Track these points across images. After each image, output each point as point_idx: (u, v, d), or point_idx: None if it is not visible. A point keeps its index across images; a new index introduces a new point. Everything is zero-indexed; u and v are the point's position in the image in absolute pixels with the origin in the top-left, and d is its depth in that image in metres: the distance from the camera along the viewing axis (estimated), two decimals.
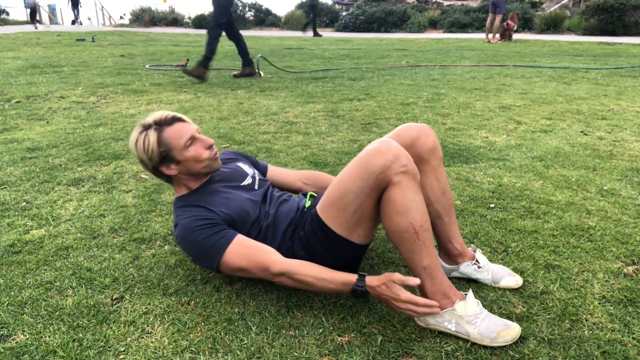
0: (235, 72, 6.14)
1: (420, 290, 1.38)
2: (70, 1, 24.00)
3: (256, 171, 1.77)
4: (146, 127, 1.49)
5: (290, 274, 1.38)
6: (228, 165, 1.73)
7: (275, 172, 1.90)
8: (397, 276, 1.28)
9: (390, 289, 1.28)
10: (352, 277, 1.34)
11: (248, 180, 1.67)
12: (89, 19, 26.59)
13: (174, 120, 1.51)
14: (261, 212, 1.59)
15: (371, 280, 1.32)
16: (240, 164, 1.74)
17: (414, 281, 1.28)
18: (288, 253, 1.51)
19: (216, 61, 7.75)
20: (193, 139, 1.50)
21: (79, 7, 24.04)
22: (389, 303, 1.31)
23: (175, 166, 1.51)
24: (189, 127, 1.51)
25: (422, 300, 1.27)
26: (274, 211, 1.60)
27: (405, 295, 1.28)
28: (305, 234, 1.49)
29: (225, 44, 11.29)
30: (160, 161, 1.50)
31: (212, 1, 5.49)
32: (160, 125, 1.49)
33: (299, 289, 1.54)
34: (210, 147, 1.53)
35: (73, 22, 23.83)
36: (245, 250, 1.43)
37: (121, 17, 27.31)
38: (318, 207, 1.47)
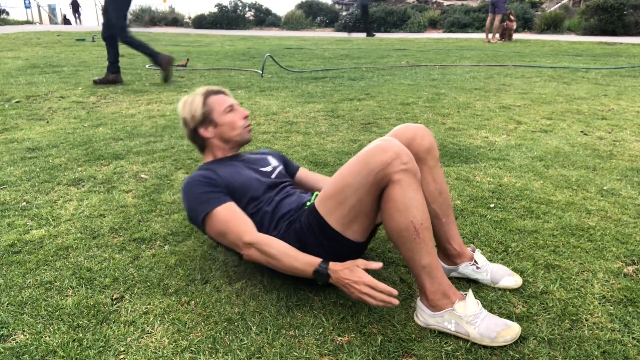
0: (96, 78, 5.63)
1: (420, 290, 1.38)
2: (71, 6, 24.22)
3: (282, 166, 1.85)
4: (195, 94, 1.74)
5: (259, 245, 1.43)
6: (258, 154, 1.86)
7: (306, 173, 1.95)
8: (361, 261, 1.34)
9: (352, 273, 1.32)
10: (317, 259, 1.39)
11: (268, 169, 1.77)
12: (65, 16, 26.63)
13: (219, 92, 1.76)
14: (265, 195, 1.64)
15: (335, 264, 1.36)
16: (269, 157, 1.86)
17: (376, 265, 1.32)
18: None
19: (216, 61, 7.75)
20: (232, 108, 1.73)
21: (80, 10, 24.31)
22: (349, 288, 1.33)
23: (213, 129, 1.72)
24: (230, 99, 1.76)
25: (382, 286, 1.29)
26: (278, 199, 1.64)
27: (367, 278, 1.31)
28: (301, 226, 1.50)
29: (225, 44, 11.30)
30: (201, 121, 1.70)
31: (105, 10, 5.23)
32: (208, 93, 1.74)
33: (298, 289, 1.54)
34: (246, 118, 1.75)
35: (65, 22, 24.11)
36: (230, 215, 1.50)
37: None
38: (316, 200, 1.48)
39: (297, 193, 1.70)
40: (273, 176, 1.75)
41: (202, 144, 1.76)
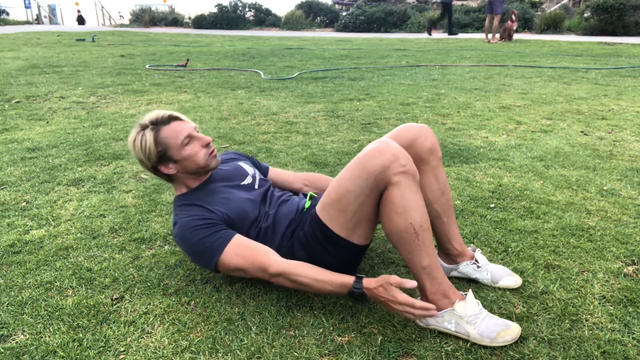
0: None
1: (420, 291, 1.38)
2: (77, 21, 24.94)
3: (257, 171, 1.78)
4: (143, 127, 1.50)
5: (288, 275, 1.38)
6: (229, 164, 1.73)
7: (277, 173, 1.91)
8: (395, 279, 1.28)
9: (387, 291, 1.28)
10: (349, 279, 1.34)
11: (248, 180, 1.67)
12: (45, 17, 27.02)
13: (171, 119, 1.51)
14: (261, 212, 1.59)
15: (369, 282, 1.32)
16: (241, 164, 1.75)
17: (411, 284, 1.27)
18: (287, 254, 1.51)
19: (216, 61, 7.75)
20: (190, 138, 1.51)
21: (84, 24, 25.05)
22: (386, 305, 1.31)
23: (174, 165, 1.52)
24: (185, 126, 1.51)
25: (419, 303, 1.27)
26: (274, 212, 1.60)
27: (403, 297, 1.27)
28: (304, 235, 1.49)
29: (225, 44, 11.30)
30: (158, 161, 1.50)
31: None
32: (157, 124, 1.49)
33: (298, 290, 1.55)
34: (207, 145, 1.54)
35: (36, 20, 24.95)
36: (243, 251, 1.43)
37: (121, 17, 27.47)
38: (317, 208, 1.46)
39: (289, 200, 1.66)
40: (256, 186, 1.66)
41: (168, 179, 1.60)
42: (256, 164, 1.85)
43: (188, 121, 1.55)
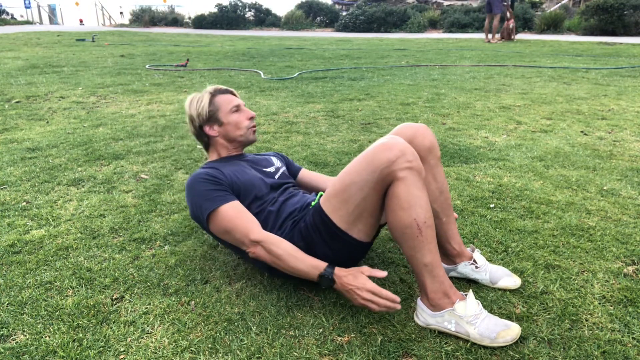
0: None
1: (421, 289, 1.38)
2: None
3: (284, 167, 1.87)
4: (204, 92, 1.75)
5: (266, 244, 1.43)
6: (263, 155, 1.89)
7: (308, 174, 1.97)
8: (366, 268, 1.36)
9: (356, 279, 1.34)
10: (322, 263, 1.40)
11: (271, 169, 1.79)
12: (22, 16, 26.94)
13: (227, 91, 1.77)
14: (269, 195, 1.65)
15: (340, 270, 1.38)
16: (273, 157, 1.88)
17: (382, 273, 1.34)
18: None
19: (216, 61, 7.75)
20: (238, 108, 1.74)
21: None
22: (352, 294, 1.34)
23: (218, 127, 1.73)
24: (237, 99, 1.76)
25: (385, 293, 1.31)
26: (282, 199, 1.65)
27: (371, 284, 1.33)
28: (306, 225, 1.50)
29: (225, 44, 11.30)
30: (206, 119, 1.71)
31: None
32: (215, 92, 1.74)
33: (298, 289, 1.55)
34: (251, 119, 1.76)
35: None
36: (235, 213, 1.50)
37: (121, 14, 27.51)
38: (322, 199, 1.48)
39: (300, 193, 1.71)
40: (276, 177, 1.76)
41: (207, 142, 1.77)
42: (288, 163, 1.96)
43: (240, 98, 1.78)
